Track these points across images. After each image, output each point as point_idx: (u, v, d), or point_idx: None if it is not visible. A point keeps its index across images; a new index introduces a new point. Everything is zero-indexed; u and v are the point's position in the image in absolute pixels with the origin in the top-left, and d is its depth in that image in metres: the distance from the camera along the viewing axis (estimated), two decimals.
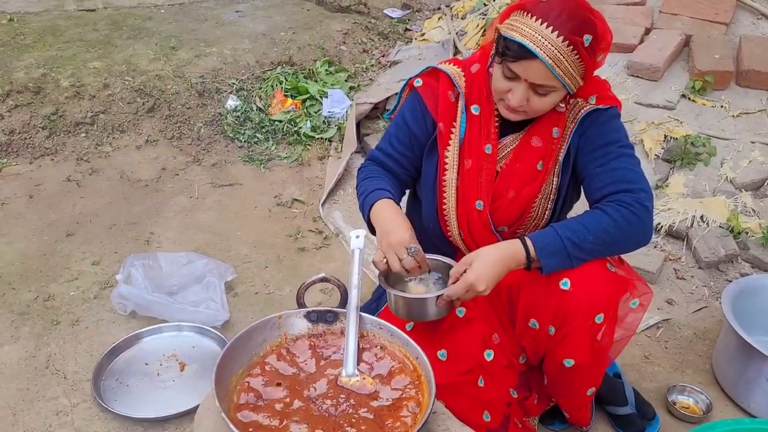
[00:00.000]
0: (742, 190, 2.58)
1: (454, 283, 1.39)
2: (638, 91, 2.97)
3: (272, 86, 3.42)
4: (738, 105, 2.86)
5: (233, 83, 3.48)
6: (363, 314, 1.33)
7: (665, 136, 2.72)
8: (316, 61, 3.73)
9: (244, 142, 3.19)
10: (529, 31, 1.34)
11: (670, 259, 2.46)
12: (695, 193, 2.61)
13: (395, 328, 1.31)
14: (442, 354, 1.52)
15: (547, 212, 1.58)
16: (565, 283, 1.41)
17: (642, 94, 2.95)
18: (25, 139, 3.10)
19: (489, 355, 1.55)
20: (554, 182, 1.55)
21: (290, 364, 1.28)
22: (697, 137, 2.70)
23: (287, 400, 1.19)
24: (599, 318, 1.42)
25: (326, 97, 3.37)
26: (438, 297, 1.38)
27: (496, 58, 1.43)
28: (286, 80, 3.43)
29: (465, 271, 1.38)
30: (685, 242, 2.49)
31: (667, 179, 2.67)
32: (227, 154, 3.13)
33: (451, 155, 1.57)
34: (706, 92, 2.89)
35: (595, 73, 1.49)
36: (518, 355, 1.61)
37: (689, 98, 2.89)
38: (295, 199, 2.82)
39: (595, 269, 1.42)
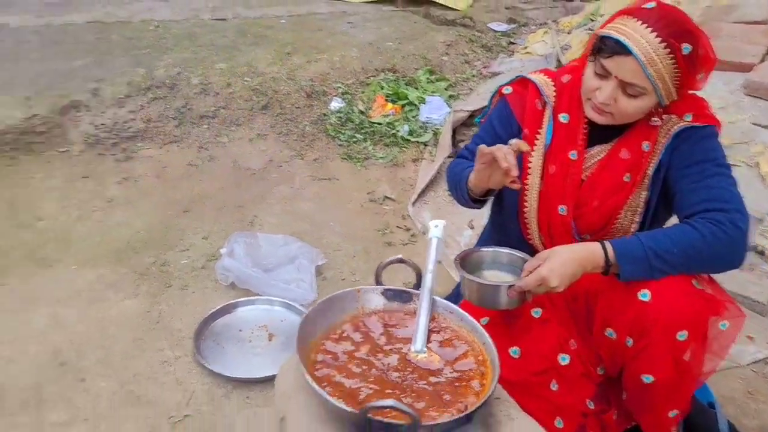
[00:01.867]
0: None
1: (528, 275, 1.35)
2: (756, 111, 2.76)
3: (374, 91, 3.49)
4: None
5: (339, 87, 3.58)
6: (436, 298, 1.34)
7: None
8: (418, 69, 3.77)
9: (344, 141, 3.28)
10: (626, 29, 1.29)
11: None
12: None
13: (465, 313, 1.30)
14: (514, 351, 1.47)
15: (634, 225, 1.48)
16: (644, 294, 1.31)
17: (760, 114, 2.74)
18: (158, 127, 3.33)
19: (564, 359, 1.49)
20: (643, 196, 1.45)
21: (363, 335, 1.31)
22: None
23: (359, 365, 1.22)
24: (681, 335, 1.30)
25: (425, 103, 3.40)
26: (510, 287, 1.36)
27: (590, 57, 1.38)
28: (388, 86, 3.49)
29: (539, 266, 1.34)
30: None
31: None
32: (328, 151, 3.23)
33: (534, 160, 1.52)
34: None
35: (698, 93, 1.41)
36: (596, 364, 1.51)
37: None
38: (387, 197, 2.87)
39: (678, 283, 1.30)
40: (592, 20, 3.84)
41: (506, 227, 1.61)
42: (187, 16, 4.53)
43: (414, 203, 2.76)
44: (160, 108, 3.40)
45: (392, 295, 1.36)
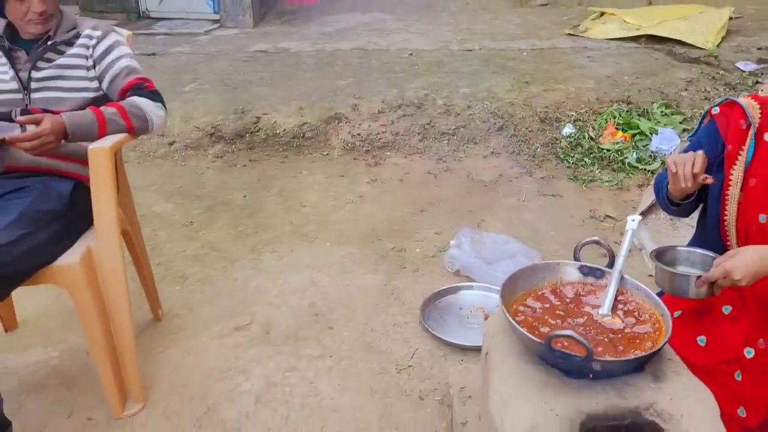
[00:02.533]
0: None
1: (715, 268, 1.46)
2: None
3: (606, 120, 3.59)
4: None
5: (572, 114, 3.75)
6: (626, 276, 1.50)
7: None
8: (653, 102, 3.78)
9: (572, 163, 3.43)
10: None
11: None
12: None
13: (650, 290, 1.46)
14: (701, 340, 1.57)
15: None
16: None
17: None
18: (405, 139, 3.81)
19: (749, 353, 1.55)
20: None
21: (560, 299, 1.52)
22: None
23: (552, 318, 1.44)
24: None
25: (657, 134, 3.42)
26: (698, 277, 1.47)
27: None
28: (620, 116, 3.57)
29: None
30: None
31: None
32: (555, 171, 3.41)
33: (736, 174, 1.61)
34: None
35: None
36: None
37: None
38: (608, 216, 2.96)
39: None
40: None
41: (708, 236, 1.69)
42: (438, 47, 5.05)
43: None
44: (407, 124, 3.89)
45: (587, 270, 1.55)
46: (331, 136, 3.90)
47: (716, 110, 1.71)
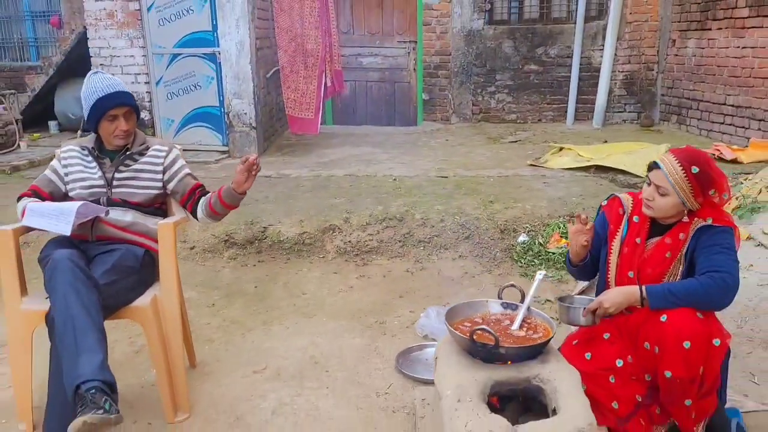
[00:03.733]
0: None
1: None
2: None
3: (553, 229, 4.60)
4: None
5: (526, 226, 4.76)
6: (531, 307, 2.40)
7: None
8: (593, 218, 4.80)
9: (524, 264, 4.38)
10: (663, 157, 2.36)
11: None
12: None
13: (545, 314, 2.36)
14: (588, 355, 2.45)
15: None
16: (664, 317, 2.23)
17: None
18: (388, 246, 4.76)
19: (619, 363, 2.41)
20: (680, 268, 2.39)
21: (485, 323, 2.39)
22: None
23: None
24: (687, 344, 2.17)
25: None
26: (583, 308, 2.37)
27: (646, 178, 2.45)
28: (564, 226, 4.58)
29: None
30: None
31: None
32: (510, 270, 4.36)
33: (615, 245, 2.56)
34: None
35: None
36: (644, 372, 2.39)
37: None
38: (547, 299, 3.86)
39: (686, 311, 2.21)
40: None
41: (601, 289, 2.60)
42: (418, 174, 6.17)
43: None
44: (390, 233, 4.87)
45: (506, 305, 2.45)
46: (327, 242, 4.85)
47: (605, 203, 2.70)
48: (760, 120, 6.60)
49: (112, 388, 2.23)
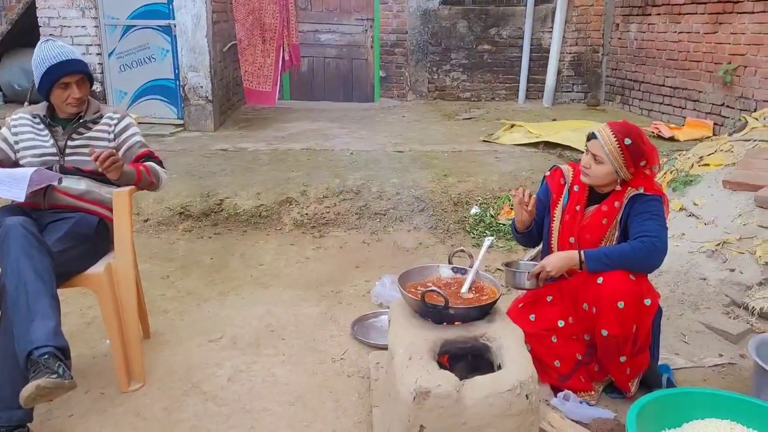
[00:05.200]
0: None
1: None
2: (761, 217, 3.71)
3: (504, 201, 4.65)
4: None
5: (478, 199, 4.80)
6: (480, 272, 2.43)
7: None
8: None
9: (476, 235, 4.43)
10: (600, 128, 2.43)
11: (755, 331, 3.05)
12: None
13: (492, 277, 2.40)
14: (532, 317, 2.54)
15: None
16: (600, 280, 2.33)
17: (764, 219, 3.69)
18: (344, 218, 4.74)
19: (561, 324, 2.50)
20: (615, 234, 2.48)
21: (436, 286, 2.39)
22: None
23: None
24: (621, 304, 2.28)
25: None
26: (528, 273, 2.42)
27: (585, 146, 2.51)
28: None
29: None
30: None
31: None
32: (463, 241, 4.39)
33: (557, 213, 2.63)
34: None
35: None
36: (584, 333, 2.50)
37: None
38: (497, 268, 3.91)
39: (620, 274, 2.31)
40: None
41: (545, 254, 2.67)
42: (375, 148, 6.14)
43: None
44: (347, 206, 4.85)
45: (456, 270, 2.48)
46: (284, 215, 4.80)
47: (548, 173, 2.74)
48: (695, 101, 6.80)
49: (66, 353, 2.17)
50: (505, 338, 2.13)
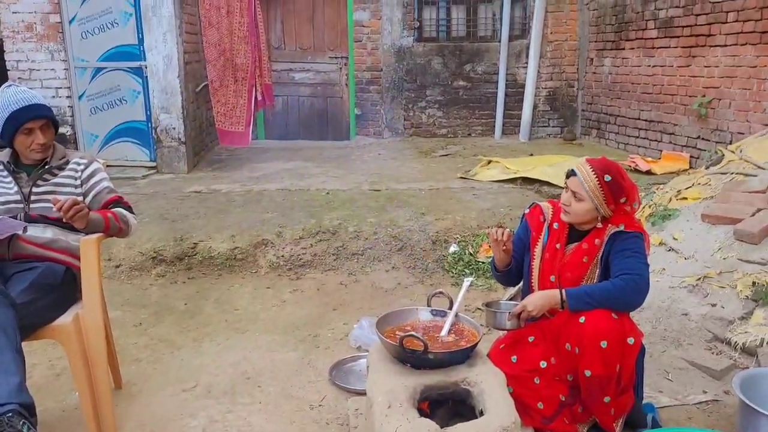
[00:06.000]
0: None
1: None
2: (740, 251, 3.77)
3: (482, 239, 4.70)
4: None
5: (457, 237, 4.85)
6: (459, 314, 2.45)
7: (754, 282, 3.46)
8: (508, 228, 4.95)
9: (455, 273, 4.46)
10: (579, 165, 2.49)
11: (739, 367, 3.09)
12: None
13: (472, 320, 2.41)
14: (514, 358, 2.53)
15: None
16: (582, 319, 2.34)
17: (743, 253, 3.76)
18: (321, 259, 4.75)
19: (543, 364, 2.50)
20: (596, 272, 2.51)
21: (415, 330, 2.41)
22: None
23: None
24: (604, 343, 2.29)
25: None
26: (508, 313, 2.44)
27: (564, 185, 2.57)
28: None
29: None
30: (755, 357, 3.12)
31: (752, 313, 3.37)
32: (442, 280, 4.42)
33: (537, 251, 2.66)
34: None
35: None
36: (567, 373, 2.49)
37: None
38: (478, 308, 3.93)
39: (602, 313, 2.33)
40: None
41: (525, 293, 2.69)
42: (351, 187, 6.19)
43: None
44: (324, 247, 4.86)
45: (436, 312, 2.50)
46: (259, 257, 4.80)
47: (527, 211, 2.79)
48: (670, 134, 6.98)
49: (31, 410, 2.13)
50: (487, 382, 2.14)
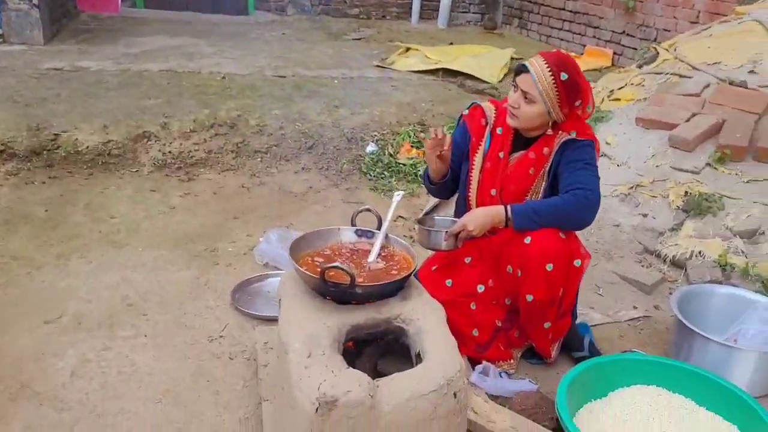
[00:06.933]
0: (737, 236, 3.19)
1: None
2: (674, 158, 3.75)
3: (403, 138, 4.35)
4: (750, 174, 3.51)
5: (375, 134, 4.46)
6: (389, 235, 2.12)
7: (686, 192, 3.47)
8: (444, 125, 4.61)
9: (374, 176, 4.11)
10: (532, 60, 2.16)
11: (668, 280, 3.14)
12: (700, 235, 3.27)
13: (407, 244, 2.10)
14: (448, 282, 2.32)
15: None
16: (528, 239, 2.13)
17: (676, 161, 3.73)
18: (218, 157, 4.24)
19: (480, 288, 2.32)
20: (543, 184, 2.27)
21: (338, 255, 2.07)
22: (711, 195, 3.38)
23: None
24: (549, 266, 2.10)
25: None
26: (445, 232, 2.16)
27: (512, 81, 2.23)
28: (415, 135, 4.35)
29: None
30: (683, 270, 3.16)
31: (682, 224, 3.39)
32: (359, 183, 4.06)
33: (477, 159, 2.37)
34: (725, 162, 3.58)
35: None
36: (505, 296, 2.32)
37: (713, 166, 3.59)
38: (400, 216, 3.64)
39: (549, 232, 2.11)
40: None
41: (460, 210, 2.42)
42: (251, 72, 5.58)
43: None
44: (220, 142, 4.34)
45: (361, 233, 2.16)
46: (141, 153, 4.21)
47: (466, 112, 2.44)
48: (595, 27, 6.83)
49: None
50: (425, 319, 1.84)
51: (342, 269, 1.79)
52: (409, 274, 1.95)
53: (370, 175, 4.12)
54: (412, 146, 4.27)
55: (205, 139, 4.34)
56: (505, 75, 5.91)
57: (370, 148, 4.32)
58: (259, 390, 2.15)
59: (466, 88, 5.56)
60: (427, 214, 3.59)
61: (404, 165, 4.15)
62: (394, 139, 4.42)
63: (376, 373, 1.89)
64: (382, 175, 4.12)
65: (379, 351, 2.02)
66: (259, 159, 4.25)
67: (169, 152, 4.22)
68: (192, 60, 5.81)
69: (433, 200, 3.73)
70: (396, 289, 1.93)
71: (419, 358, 1.78)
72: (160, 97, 4.82)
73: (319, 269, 1.85)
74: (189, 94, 4.90)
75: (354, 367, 1.80)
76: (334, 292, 1.85)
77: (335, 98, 4.98)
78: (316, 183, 4.05)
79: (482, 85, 5.66)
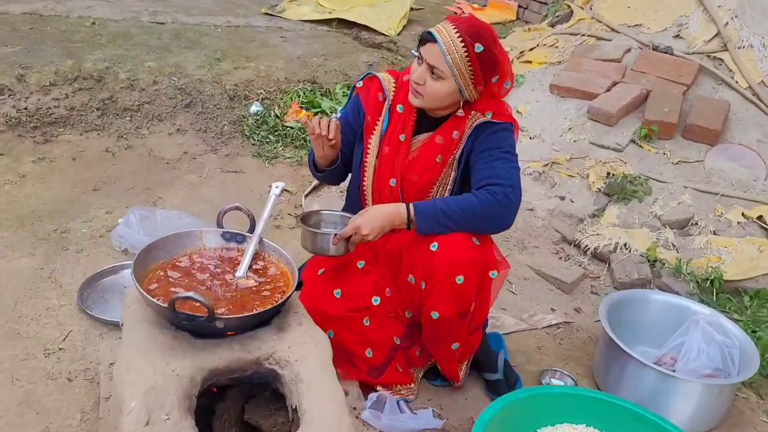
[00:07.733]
0: (667, 226, 2.84)
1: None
2: (594, 133, 3.32)
3: (291, 98, 3.88)
4: (679, 154, 3.15)
5: (260, 93, 3.96)
6: (265, 240, 1.71)
7: (608, 173, 3.05)
8: (337, 83, 4.18)
9: (258, 140, 3.64)
10: (440, 27, 1.72)
11: (590, 277, 2.75)
12: (625, 224, 2.89)
13: (283, 251, 1.68)
14: (337, 292, 1.87)
15: (445, 197, 1.88)
16: (434, 246, 1.72)
17: (596, 136, 3.31)
18: (82, 115, 3.62)
19: (376, 301, 1.88)
20: (452, 175, 1.87)
21: (197, 266, 1.64)
22: (637, 177, 3.00)
23: (189, 285, 1.56)
24: (459, 279, 1.71)
25: (336, 113, 3.80)
26: (334, 235, 1.75)
27: (416, 51, 1.78)
28: (305, 95, 3.89)
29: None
30: (607, 264, 2.78)
31: (604, 210, 2.99)
32: (241, 148, 3.59)
33: (373, 142, 1.93)
34: (652, 140, 3.19)
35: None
36: (404, 309, 1.92)
37: (637, 144, 3.21)
38: (285, 189, 3.21)
39: (460, 238, 1.72)
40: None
41: (353, 201, 2.00)
42: (126, 17, 4.87)
43: (307, 195, 3.14)
44: (84, 98, 3.71)
45: (229, 236, 1.73)
46: None
47: (360, 84, 1.99)
48: None
49: None
50: (304, 361, 1.45)
51: (197, 301, 1.38)
52: (286, 299, 1.55)
53: (254, 139, 3.65)
54: (301, 107, 3.81)
55: (67, 94, 3.70)
56: (404, 27, 5.47)
57: (255, 108, 3.84)
58: (99, 426, 1.73)
59: (361, 41, 5.10)
60: (308, 194, 3.17)
61: (292, 128, 3.70)
62: (282, 99, 3.94)
63: (242, 425, 1.52)
64: (267, 140, 3.66)
65: (246, 392, 1.61)
66: (128, 118, 3.67)
67: (25, 108, 3.56)
68: (60, 2, 5.00)
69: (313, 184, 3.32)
70: (269, 316, 1.54)
71: (296, 413, 1.42)
72: (19, 44, 4.08)
73: (172, 290, 1.44)
74: (52, 42, 4.19)
75: (214, 415, 1.44)
76: (187, 325, 1.44)
77: (217, 50, 4.40)
78: (192, 147, 3.54)
79: (379, 37, 5.21)
